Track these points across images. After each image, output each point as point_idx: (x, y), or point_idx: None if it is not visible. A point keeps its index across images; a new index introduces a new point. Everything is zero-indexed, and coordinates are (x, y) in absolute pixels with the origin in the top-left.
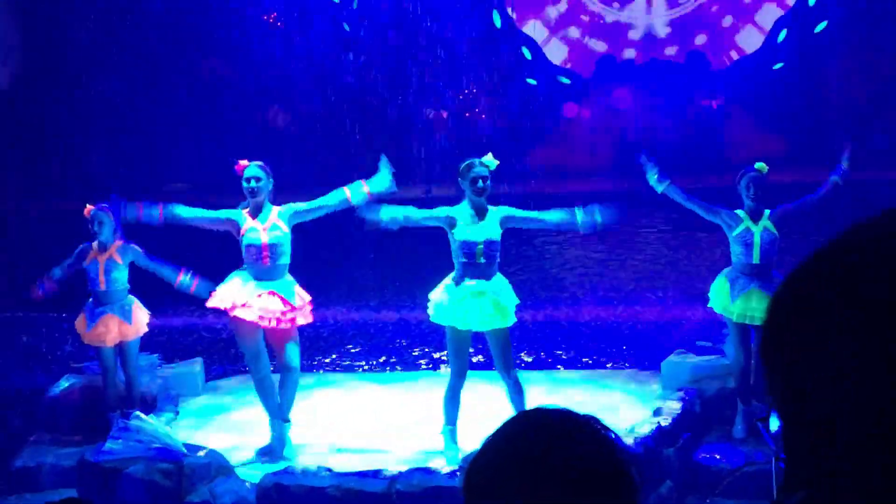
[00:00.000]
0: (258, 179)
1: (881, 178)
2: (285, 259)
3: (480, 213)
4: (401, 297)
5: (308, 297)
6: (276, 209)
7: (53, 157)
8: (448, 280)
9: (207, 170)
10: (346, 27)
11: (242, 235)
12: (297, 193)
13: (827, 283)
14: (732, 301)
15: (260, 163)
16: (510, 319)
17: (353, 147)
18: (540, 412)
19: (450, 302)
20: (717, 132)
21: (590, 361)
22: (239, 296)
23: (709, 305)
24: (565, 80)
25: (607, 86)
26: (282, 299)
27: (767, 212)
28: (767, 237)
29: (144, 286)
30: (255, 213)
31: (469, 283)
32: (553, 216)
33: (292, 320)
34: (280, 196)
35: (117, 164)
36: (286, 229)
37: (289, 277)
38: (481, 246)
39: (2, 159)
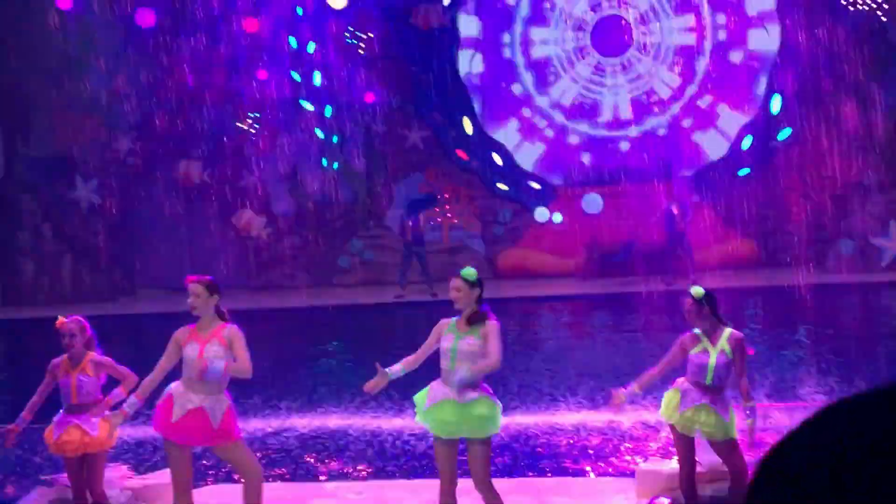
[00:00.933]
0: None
1: (848, 281)
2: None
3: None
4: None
5: None
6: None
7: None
8: None
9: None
10: (321, 134)
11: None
12: None
13: (808, 464)
14: (680, 412)
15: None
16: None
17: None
18: None
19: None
20: (684, 237)
21: (565, 468)
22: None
23: (659, 414)
24: (536, 186)
25: (577, 190)
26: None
27: (727, 332)
28: (722, 360)
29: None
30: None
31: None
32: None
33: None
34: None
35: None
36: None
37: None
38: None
39: None
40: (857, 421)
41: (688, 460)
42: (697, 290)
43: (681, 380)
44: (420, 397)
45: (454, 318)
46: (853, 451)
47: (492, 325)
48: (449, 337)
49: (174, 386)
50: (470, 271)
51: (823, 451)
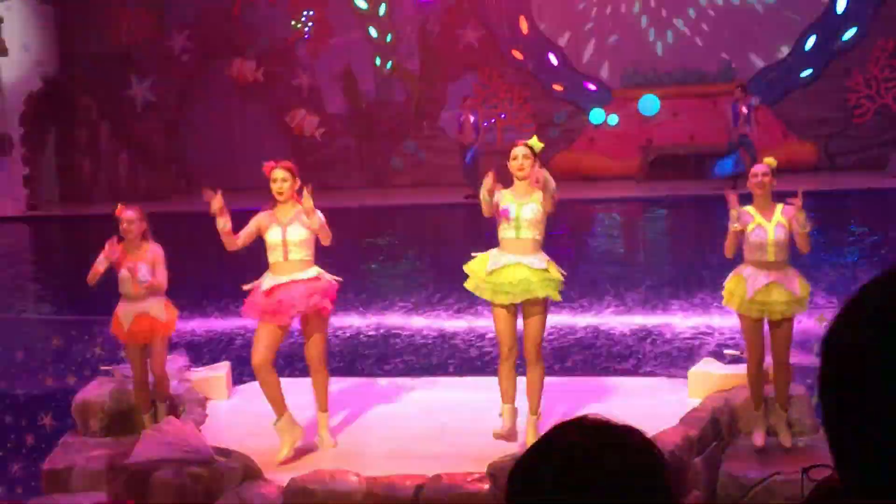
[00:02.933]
0: (284, 180)
1: None
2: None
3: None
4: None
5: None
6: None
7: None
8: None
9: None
10: (374, 33)
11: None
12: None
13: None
14: (749, 297)
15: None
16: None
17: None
18: (581, 422)
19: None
20: (747, 139)
21: (615, 368)
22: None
23: (724, 304)
24: (591, 87)
25: (634, 91)
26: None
27: (780, 206)
28: (781, 233)
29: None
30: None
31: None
32: None
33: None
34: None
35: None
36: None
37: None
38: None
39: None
40: None
41: (758, 348)
42: (772, 161)
43: (741, 266)
44: (478, 263)
45: (507, 190)
46: None
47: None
48: (509, 205)
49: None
50: (536, 141)
51: None
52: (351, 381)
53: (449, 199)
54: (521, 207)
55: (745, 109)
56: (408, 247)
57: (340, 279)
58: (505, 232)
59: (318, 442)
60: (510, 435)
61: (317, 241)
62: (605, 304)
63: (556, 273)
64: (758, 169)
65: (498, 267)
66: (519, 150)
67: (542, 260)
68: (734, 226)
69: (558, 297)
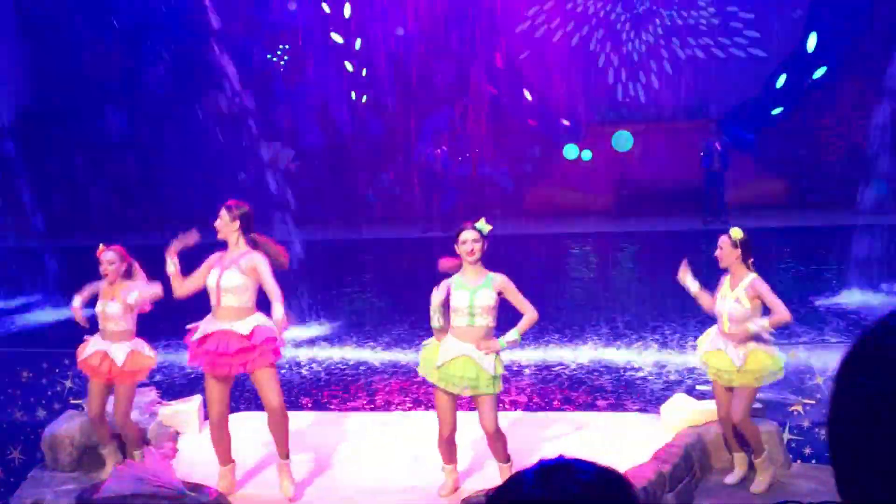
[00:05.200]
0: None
1: (879, 223)
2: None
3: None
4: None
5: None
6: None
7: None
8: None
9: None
10: (350, 67)
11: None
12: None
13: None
14: (703, 352)
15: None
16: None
17: (357, 185)
18: (561, 461)
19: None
20: (722, 176)
21: (589, 403)
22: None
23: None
24: (565, 122)
25: (607, 128)
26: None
27: (749, 279)
28: (736, 308)
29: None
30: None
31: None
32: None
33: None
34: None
35: (119, 202)
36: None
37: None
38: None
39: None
40: None
41: (721, 406)
42: (737, 232)
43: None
44: (430, 353)
45: (457, 276)
46: None
47: (502, 278)
48: (461, 294)
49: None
50: (484, 224)
51: None
52: (319, 415)
53: (420, 234)
54: (474, 295)
55: (718, 146)
56: (378, 281)
57: (283, 327)
58: (458, 320)
59: (281, 491)
60: (452, 491)
61: (260, 289)
62: (579, 339)
63: (500, 369)
64: (721, 240)
65: (447, 360)
66: (468, 235)
67: (490, 354)
68: (691, 290)
69: (500, 389)
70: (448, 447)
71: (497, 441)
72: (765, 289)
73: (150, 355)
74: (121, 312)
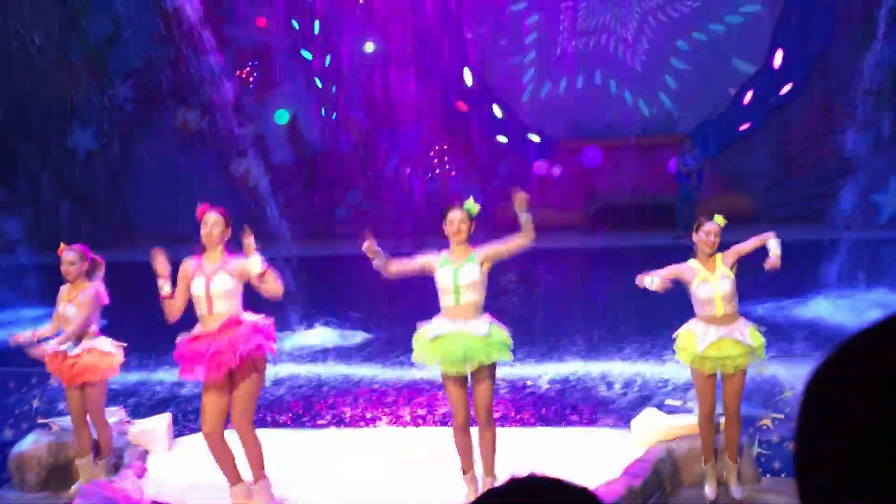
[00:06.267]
0: (215, 224)
1: (845, 237)
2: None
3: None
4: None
5: None
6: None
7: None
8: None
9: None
10: (319, 83)
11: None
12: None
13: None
14: (700, 351)
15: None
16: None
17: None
18: (532, 479)
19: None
20: (696, 191)
21: (560, 419)
22: None
23: (676, 358)
24: (535, 138)
25: (577, 143)
26: None
27: (720, 256)
28: (727, 285)
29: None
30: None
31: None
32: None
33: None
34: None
35: (88, 218)
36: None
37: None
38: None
39: None
40: None
41: (709, 401)
42: (721, 219)
43: (691, 321)
44: (420, 338)
45: (443, 253)
46: None
47: (482, 247)
48: (445, 271)
49: None
50: (473, 204)
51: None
52: (295, 433)
53: (393, 249)
54: (458, 272)
55: (691, 161)
56: (353, 297)
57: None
58: (445, 299)
59: None
60: None
61: (245, 291)
62: (550, 354)
63: (499, 334)
64: (711, 228)
65: (441, 334)
66: (456, 214)
67: (484, 323)
68: (650, 285)
69: (509, 357)
70: (466, 442)
71: (486, 430)
72: (735, 246)
73: (110, 350)
74: (78, 313)
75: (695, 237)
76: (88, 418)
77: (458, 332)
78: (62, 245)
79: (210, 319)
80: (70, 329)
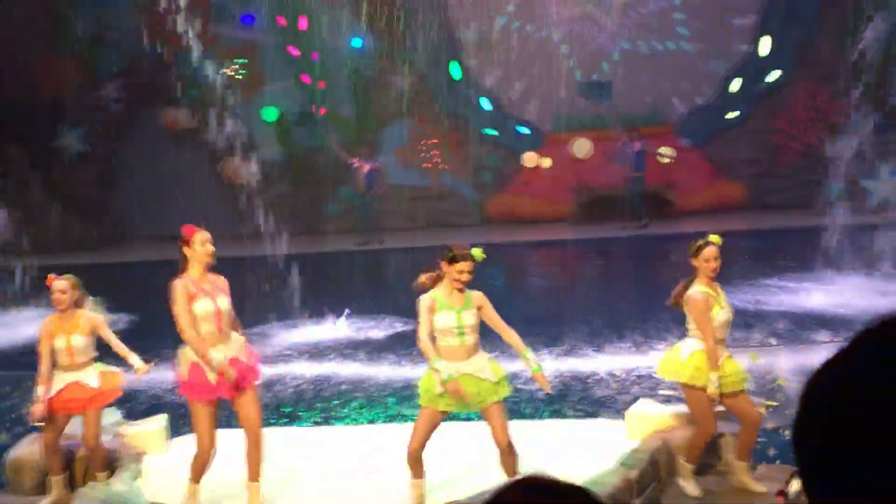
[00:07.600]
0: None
1: (834, 223)
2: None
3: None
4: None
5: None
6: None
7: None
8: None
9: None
10: (308, 80)
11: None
12: None
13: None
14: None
15: None
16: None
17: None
18: (532, 479)
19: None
20: (641, 180)
21: (554, 410)
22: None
23: (689, 381)
24: (524, 131)
25: (566, 135)
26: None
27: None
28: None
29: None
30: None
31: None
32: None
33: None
34: None
35: (78, 221)
36: None
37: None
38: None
39: None
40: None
41: (711, 422)
42: (718, 238)
43: (709, 345)
44: (427, 383)
45: (438, 293)
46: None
47: (479, 294)
48: (448, 314)
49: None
50: (480, 253)
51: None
52: (284, 430)
53: (382, 245)
54: (461, 315)
55: (636, 148)
56: (344, 295)
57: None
58: (448, 340)
59: None
60: None
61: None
62: (542, 345)
63: (500, 372)
64: (711, 253)
65: (450, 377)
66: (466, 266)
67: (485, 363)
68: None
69: (511, 391)
70: (419, 461)
71: (509, 455)
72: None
73: (117, 371)
74: (86, 342)
75: (695, 262)
76: (80, 438)
77: (463, 376)
78: (51, 275)
79: (221, 337)
80: (122, 353)
